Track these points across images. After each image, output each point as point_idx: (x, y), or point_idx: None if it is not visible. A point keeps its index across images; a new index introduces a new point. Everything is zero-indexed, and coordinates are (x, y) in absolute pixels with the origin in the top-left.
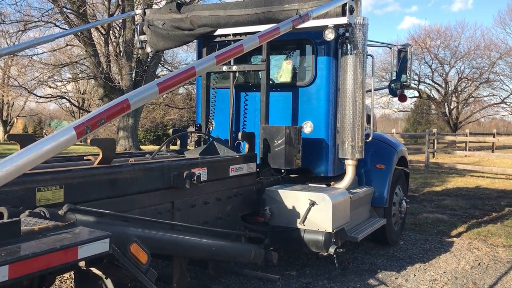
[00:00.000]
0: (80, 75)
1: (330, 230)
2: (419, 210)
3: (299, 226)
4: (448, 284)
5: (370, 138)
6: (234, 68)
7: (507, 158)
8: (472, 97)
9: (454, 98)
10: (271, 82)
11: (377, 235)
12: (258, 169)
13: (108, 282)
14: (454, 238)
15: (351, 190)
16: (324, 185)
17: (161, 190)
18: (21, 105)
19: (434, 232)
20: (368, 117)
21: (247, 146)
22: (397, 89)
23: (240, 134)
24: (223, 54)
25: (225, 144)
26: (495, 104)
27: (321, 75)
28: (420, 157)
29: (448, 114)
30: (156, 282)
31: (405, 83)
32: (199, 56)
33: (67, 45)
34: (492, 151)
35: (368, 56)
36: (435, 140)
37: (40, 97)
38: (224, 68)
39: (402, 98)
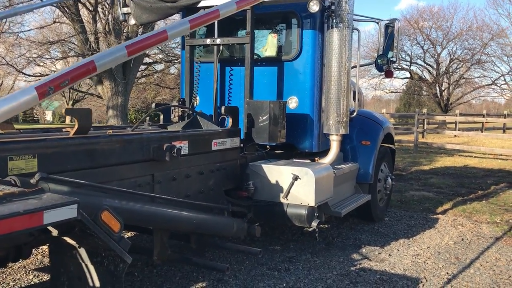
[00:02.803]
0: (69, 53)
1: (312, 204)
2: (406, 188)
3: (282, 200)
4: (431, 259)
5: (355, 114)
6: (218, 41)
7: (495, 138)
8: (463, 78)
9: (445, 79)
10: (256, 56)
11: (362, 211)
12: (242, 144)
13: (82, 251)
14: (439, 215)
15: (335, 166)
16: (308, 161)
17: (141, 162)
18: (10, 85)
19: (420, 209)
20: (354, 93)
21: (230, 120)
22: (383, 65)
23: (223, 109)
24: (198, 19)
25: (209, 119)
26: (486, 85)
27: (306, 49)
28: (410, 137)
29: (439, 95)
30: (138, 255)
31: (391, 59)
32: None
33: (54, 21)
34: (482, 131)
35: (354, 30)
36: (425, 121)
37: (29, 75)
38: (208, 41)
39: (389, 74)
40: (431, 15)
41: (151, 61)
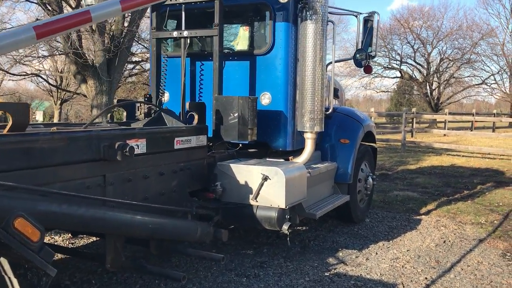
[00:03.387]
0: (54, 52)
1: (283, 206)
2: (390, 187)
3: (252, 202)
4: (410, 262)
5: (330, 111)
6: (185, 34)
7: (484, 137)
8: (454, 77)
9: (435, 79)
10: (228, 50)
11: (341, 212)
12: (211, 143)
13: (4, 262)
14: (423, 216)
15: (311, 165)
16: (282, 160)
17: (89, 162)
18: None
19: (403, 209)
20: (335, 90)
21: (196, 117)
22: (362, 60)
23: (187, 104)
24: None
25: (175, 116)
26: (476, 85)
27: (279, 43)
28: (398, 136)
29: (429, 95)
30: (90, 263)
31: (370, 54)
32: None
33: (37, 19)
34: (471, 130)
35: (328, 23)
36: (414, 119)
37: (14, 75)
38: (175, 34)
39: (367, 70)
40: (421, 14)
41: (139, 59)
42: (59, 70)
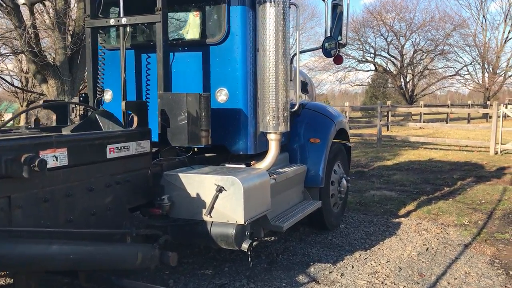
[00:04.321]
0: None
1: (241, 222)
2: (366, 187)
3: (205, 218)
4: (390, 277)
5: (296, 107)
6: (124, 21)
7: (460, 129)
8: (427, 69)
9: (410, 71)
10: (177, 40)
11: (313, 219)
12: (158, 149)
13: None
14: (402, 218)
15: (277, 170)
16: (242, 166)
17: None
18: None
19: (381, 211)
20: (304, 84)
21: (135, 119)
22: (331, 49)
23: (123, 104)
24: None
25: (113, 119)
26: (450, 76)
27: (235, 30)
28: (373, 130)
29: (404, 87)
30: None
31: (340, 42)
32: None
33: None
34: (447, 122)
35: (291, 6)
36: (389, 113)
37: None
38: (112, 22)
39: (338, 60)
40: (393, 6)
41: None
42: (24, 71)
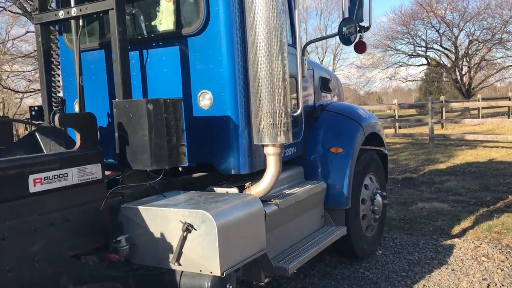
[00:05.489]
0: None
1: (217, 272)
2: (413, 197)
3: (173, 266)
4: None
5: (299, 111)
6: (74, 12)
7: None
8: (485, 60)
9: (465, 63)
10: (151, 33)
11: (341, 246)
12: (121, 174)
13: None
14: (455, 239)
15: (284, 191)
16: (235, 189)
17: None
18: None
19: (429, 230)
20: (325, 81)
21: (78, 136)
22: (351, 34)
23: (57, 118)
24: None
25: (61, 136)
26: (510, 66)
27: (216, 14)
28: (425, 129)
29: (459, 81)
30: None
31: (362, 25)
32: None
33: None
34: (508, 117)
35: None
36: (443, 109)
37: None
38: (61, 15)
39: (360, 47)
40: None
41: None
42: None
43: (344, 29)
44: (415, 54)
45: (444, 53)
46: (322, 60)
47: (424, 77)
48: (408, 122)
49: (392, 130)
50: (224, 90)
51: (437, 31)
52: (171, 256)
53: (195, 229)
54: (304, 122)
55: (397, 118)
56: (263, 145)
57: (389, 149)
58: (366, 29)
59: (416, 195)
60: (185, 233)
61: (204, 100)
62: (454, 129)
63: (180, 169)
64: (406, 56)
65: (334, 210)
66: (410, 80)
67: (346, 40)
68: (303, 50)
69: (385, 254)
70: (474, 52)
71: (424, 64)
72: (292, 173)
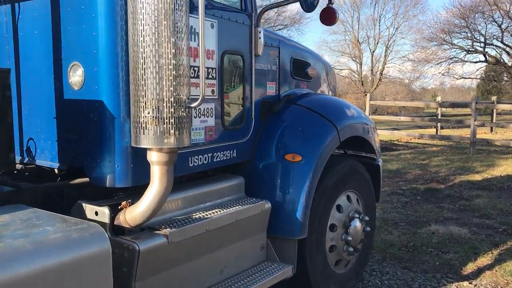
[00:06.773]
0: None
1: None
2: (428, 216)
3: None
4: None
5: (198, 101)
6: None
7: None
8: None
9: None
10: None
11: (297, 285)
12: None
13: None
14: (465, 284)
15: (195, 214)
16: (105, 209)
17: None
18: None
19: (434, 265)
20: (302, 65)
21: None
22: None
23: None
24: None
25: None
26: None
27: None
28: (466, 131)
29: None
30: None
31: None
32: None
33: None
34: None
35: None
36: (494, 111)
37: None
38: None
39: (328, 17)
40: None
41: None
42: None
43: None
44: (473, 49)
45: (506, 51)
46: (373, 52)
47: (483, 75)
48: (448, 123)
49: (432, 131)
50: (97, 63)
51: (499, 26)
52: None
53: None
54: (256, 118)
55: (439, 117)
56: (146, 149)
57: (423, 151)
58: None
59: (433, 212)
60: None
61: (75, 77)
62: (505, 133)
63: (56, 171)
64: (463, 52)
65: (282, 240)
66: (465, 78)
67: (308, 6)
68: (258, 18)
69: None
70: None
71: (481, 61)
72: (234, 184)
